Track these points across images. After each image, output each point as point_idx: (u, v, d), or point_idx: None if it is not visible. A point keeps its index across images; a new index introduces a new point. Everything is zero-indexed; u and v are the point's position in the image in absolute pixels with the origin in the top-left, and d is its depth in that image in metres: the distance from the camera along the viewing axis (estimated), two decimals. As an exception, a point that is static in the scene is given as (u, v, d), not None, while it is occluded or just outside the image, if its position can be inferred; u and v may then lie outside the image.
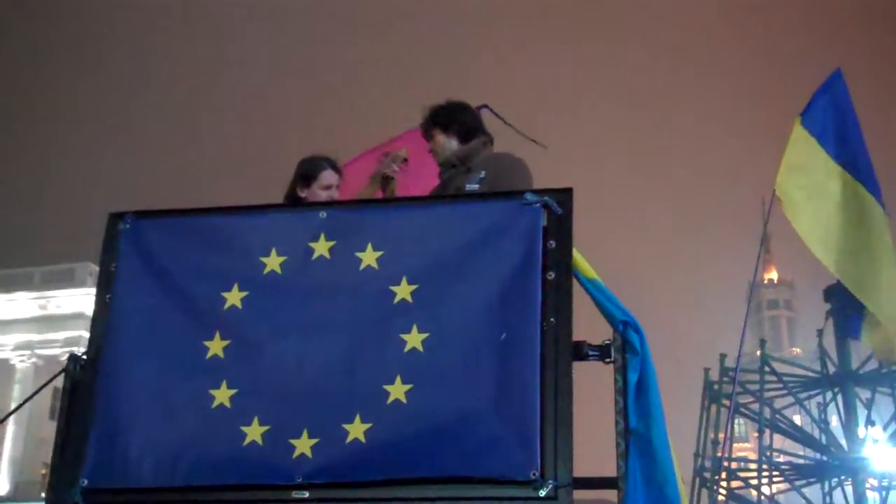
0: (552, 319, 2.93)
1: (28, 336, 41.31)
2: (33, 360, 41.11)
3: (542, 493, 2.73)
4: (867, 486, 16.50)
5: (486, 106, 6.28)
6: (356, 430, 2.88)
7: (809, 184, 7.08)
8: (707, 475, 16.76)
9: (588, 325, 3.11)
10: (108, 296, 3.24)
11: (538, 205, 3.06)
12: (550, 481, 2.74)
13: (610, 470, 2.98)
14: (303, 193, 4.25)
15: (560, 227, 3.07)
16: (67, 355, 3.41)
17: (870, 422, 16.63)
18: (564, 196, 3.11)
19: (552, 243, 3.03)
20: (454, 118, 4.38)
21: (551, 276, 2.99)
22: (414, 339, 2.95)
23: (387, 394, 2.90)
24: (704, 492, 16.99)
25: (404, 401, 2.89)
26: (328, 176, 4.28)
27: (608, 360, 3.06)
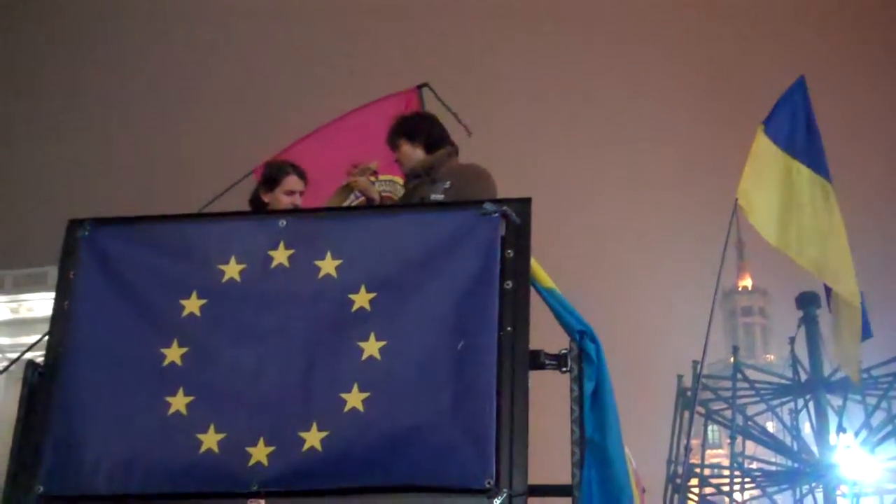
0: (509, 328, 2.95)
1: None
2: (4, 363, 40.66)
3: (497, 501, 2.74)
4: (838, 492, 16.64)
5: (426, 85, 6.31)
6: (313, 438, 2.88)
7: (772, 189, 7.17)
8: (679, 481, 16.82)
9: (545, 335, 3.13)
10: (66, 303, 3.23)
11: (497, 214, 3.08)
12: (505, 490, 2.76)
13: (565, 479, 2.99)
14: (266, 198, 4.26)
15: (518, 236, 3.08)
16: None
17: (841, 429, 16.75)
18: (523, 206, 3.13)
19: (510, 253, 3.05)
20: (420, 128, 4.41)
21: (509, 285, 3.00)
22: (371, 348, 2.96)
23: (344, 402, 2.90)
24: (677, 498, 17.06)
25: (361, 409, 2.89)
26: (292, 181, 4.30)
27: (564, 369, 3.09)
